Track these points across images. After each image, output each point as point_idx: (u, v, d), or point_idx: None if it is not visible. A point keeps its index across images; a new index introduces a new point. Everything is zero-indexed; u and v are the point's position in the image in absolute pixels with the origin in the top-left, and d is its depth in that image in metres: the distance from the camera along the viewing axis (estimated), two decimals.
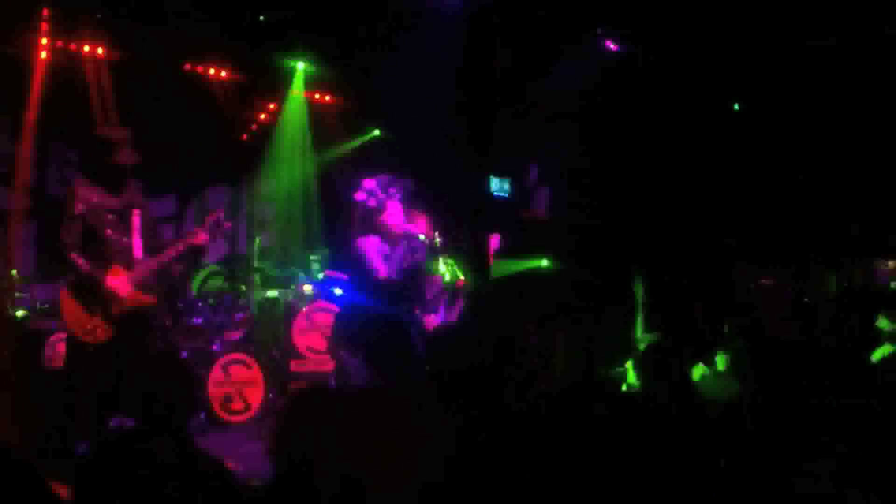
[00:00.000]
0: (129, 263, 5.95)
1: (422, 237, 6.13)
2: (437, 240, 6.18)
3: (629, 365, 5.73)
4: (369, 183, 6.11)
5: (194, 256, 6.53)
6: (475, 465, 2.68)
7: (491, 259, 7.71)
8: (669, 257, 9.64)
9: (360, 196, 6.10)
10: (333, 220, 10.28)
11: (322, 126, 10.65)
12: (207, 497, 3.14)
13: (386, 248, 6.10)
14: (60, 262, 5.97)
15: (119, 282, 5.88)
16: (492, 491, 2.71)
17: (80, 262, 5.84)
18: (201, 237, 6.16)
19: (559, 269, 9.26)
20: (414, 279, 6.19)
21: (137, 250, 6.01)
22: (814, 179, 9.74)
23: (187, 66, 9.57)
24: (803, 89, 9.35)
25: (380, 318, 6.03)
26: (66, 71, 8.44)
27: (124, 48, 8.70)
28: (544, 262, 9.35)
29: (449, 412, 3.22)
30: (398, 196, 6.10)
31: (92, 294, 5.87)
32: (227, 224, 6.30)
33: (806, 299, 9.73)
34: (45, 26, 8.23)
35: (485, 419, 2.91)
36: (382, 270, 6.01)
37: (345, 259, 7.06)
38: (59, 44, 8.43)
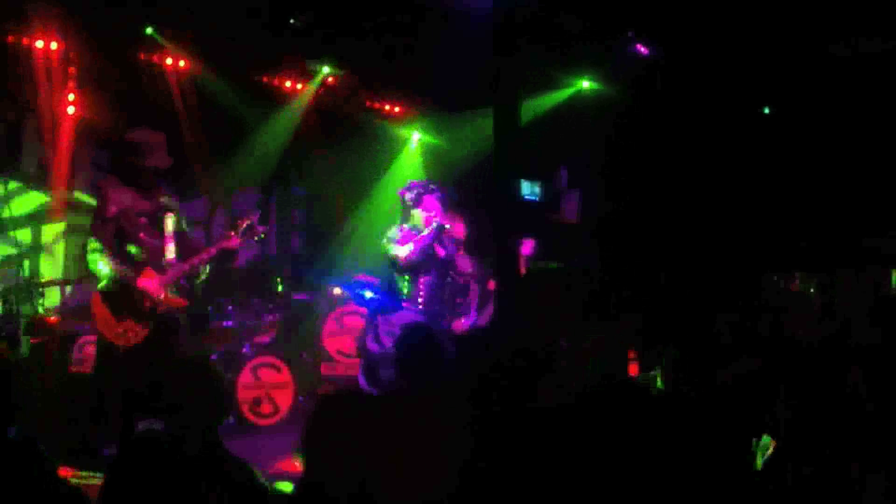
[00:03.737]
0: (161, 267, 5.95)
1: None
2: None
3: (657, 370, 5.65)
4: (415, 183, 7.03)
5: (223, 260, 6.56)
6: (501, 467, 2.65)
7: (524, 263, 7.75)
8: (695, 263, 9.55)
9: (402, 192, 6.91)
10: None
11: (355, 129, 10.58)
12: (236, 500, 3.13)
13: (414, 236, 6.70)
14: (90, 264, 5.97)
15: (151, 285, 5.86)
16: (520, 490, 2.67)
17: (113, 264, 5.84)
18: (234, 242, 6.18)
19: (587, 271, 9.19)
20: (429, 268, 6.80)
21: (170, 254, 6.04)
22: (841, 184, 9.61)
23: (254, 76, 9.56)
24: (835, 94, 9.26)
25: (410, 325, 6.06)
26: (102, 74, 8.45)
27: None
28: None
29: (478, 415, 3.19)
30: (436, 195, 6.79)
31: (124, 297, 5.84)
32: (261, 228, 6.35)
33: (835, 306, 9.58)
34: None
35: (513, 421, 2.87)
36: (403, 254, 6.66)
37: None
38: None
